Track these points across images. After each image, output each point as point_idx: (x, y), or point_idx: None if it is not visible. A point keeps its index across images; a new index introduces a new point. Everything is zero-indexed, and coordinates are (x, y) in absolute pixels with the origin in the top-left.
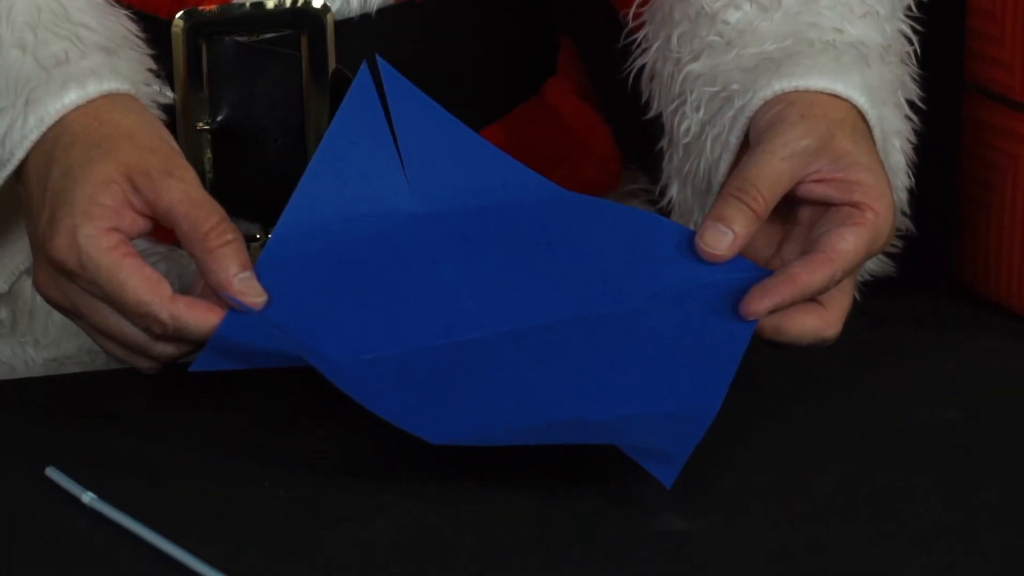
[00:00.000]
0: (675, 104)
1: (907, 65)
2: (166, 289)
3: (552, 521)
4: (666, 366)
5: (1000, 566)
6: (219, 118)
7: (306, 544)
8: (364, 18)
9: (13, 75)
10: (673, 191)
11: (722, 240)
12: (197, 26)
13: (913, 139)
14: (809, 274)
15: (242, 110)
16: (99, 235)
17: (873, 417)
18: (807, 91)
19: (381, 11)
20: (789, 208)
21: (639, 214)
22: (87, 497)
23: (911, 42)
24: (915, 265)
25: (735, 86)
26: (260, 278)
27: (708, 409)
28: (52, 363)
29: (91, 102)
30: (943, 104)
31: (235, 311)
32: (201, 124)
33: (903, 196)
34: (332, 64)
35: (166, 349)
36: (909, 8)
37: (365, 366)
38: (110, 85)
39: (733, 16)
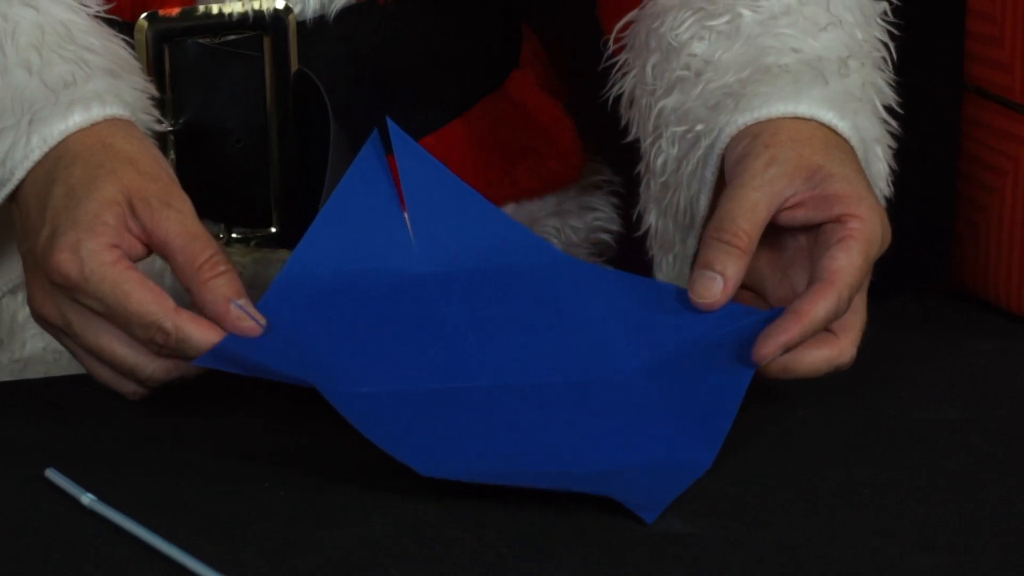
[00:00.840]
0: (651, 138)
1: (882, 71)
2: (170, 301)
3: (553, 522)
4: (661, 424)
5: (1000, 566)
6: (182, 119)
7: (306, 544)
8: (325, 19)
9: (19, 95)
10: (651, 218)
11: (712, 287)
12: (160, 29)
13: (893, 144)
14: (812, 305)
15: (205, 111)
16: (102, 250)
17: (873, 417)
18: (770, 120)
19: (342, 11)
20: (785, 238)
21: (642, 281)
22: (87, 498)
23: (887, 47)
24: (914, 266)
25: (700, 126)
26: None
27: (701, 462)
28: (17, 364)
29: (94, 125)
30: (942, 106)
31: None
32: (164, 125)
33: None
34: (294, 65)
35: (157, 371)
36: (885, 13)
37: (360, 398)
38: (112, 110)
39: (698, 47)
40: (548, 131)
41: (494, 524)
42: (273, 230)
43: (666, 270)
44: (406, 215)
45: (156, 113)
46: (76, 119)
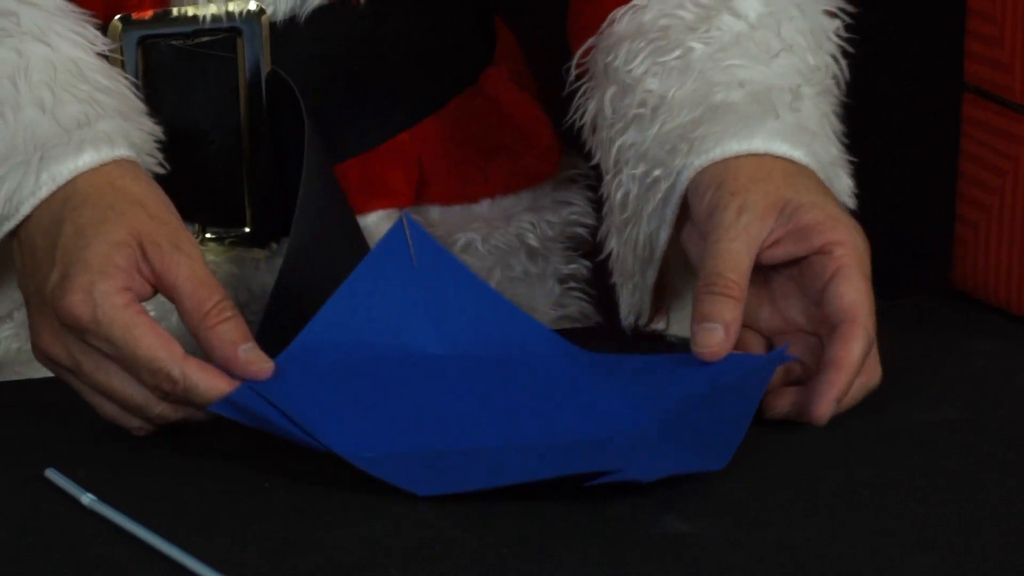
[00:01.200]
0: (612, 173)
1: (831, 95)
2: (179, 349)
3: (553, 522)
4: (673, 450)
5: (1000, 566)
6: (156, 120)
7: (306, 544)
8: (297, 19)
9: (30, 132)
10: (612, 244)
11: (714, 336)
12: (133, 31)
13: (853, 162)
14: (847, 350)
15: (179, 112)
16: (115, 292)
17: (873, 417)
18: (725, 160)
19: (314, 12)
20: (770, 273)
21: (646, 357)
22: (87, 498)
23: (840, 68)
24: (914, 266)
25: (657, 171)
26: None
27: (712, 466)
28: None
29: (103, 165)
30: (942, 106)
31: (248, 386)
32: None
33: None
34: (267, 66)
35: (165, 411)
36: (839, 30)
37: (367, 460)
38: (121, 152)
39: (653, 84)
40: (523, 127)
41: (494, 524)
42: (247, 230)
43: (626, 298)
44: (423, 304)
45: (159, 156)
46: (86, 159)
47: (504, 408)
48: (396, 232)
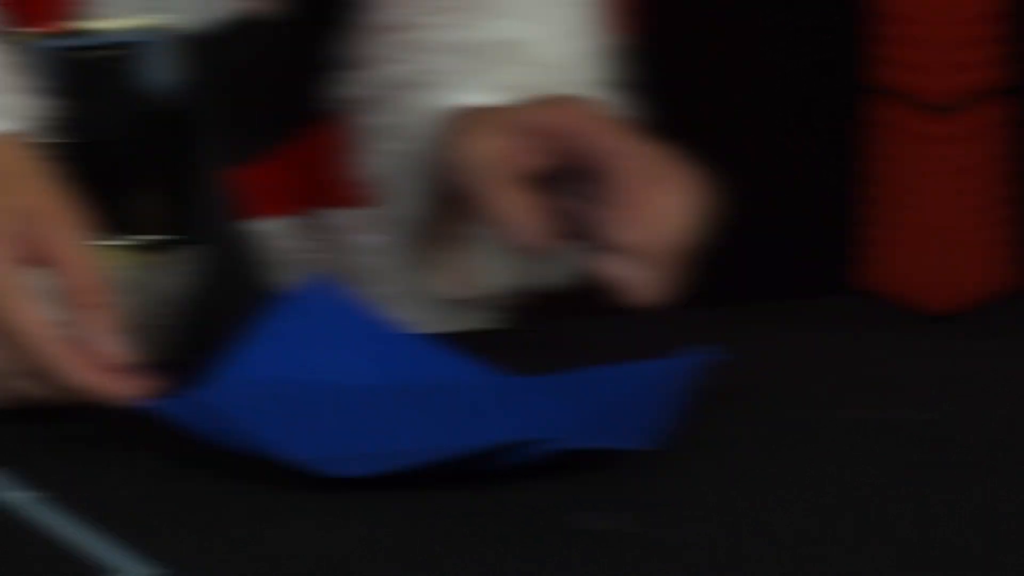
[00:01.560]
0: None
1: None
2: (53, 329)
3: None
4: (599, 431)
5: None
6: (63, 131)
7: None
8: (204, 33)
9: None
10: None
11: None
12: (38, 44)
13: None
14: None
15: (85, 124)
16: (2, 260)
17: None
18: None
19: (221, 26)
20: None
21: (572, 375)
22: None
23: None
24: (823, 267)
25: None
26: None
27: (639, 444)
28: None
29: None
30: (851, 105)
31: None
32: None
33: None
34: (172, 77)
35: (24, 385)
36: None
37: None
38: (13, 125)
39: None
40: None
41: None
42: (150, 236)
43: None
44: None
45: (50, 137)
46: None
47: (441, 419)
48: (306, 289)
